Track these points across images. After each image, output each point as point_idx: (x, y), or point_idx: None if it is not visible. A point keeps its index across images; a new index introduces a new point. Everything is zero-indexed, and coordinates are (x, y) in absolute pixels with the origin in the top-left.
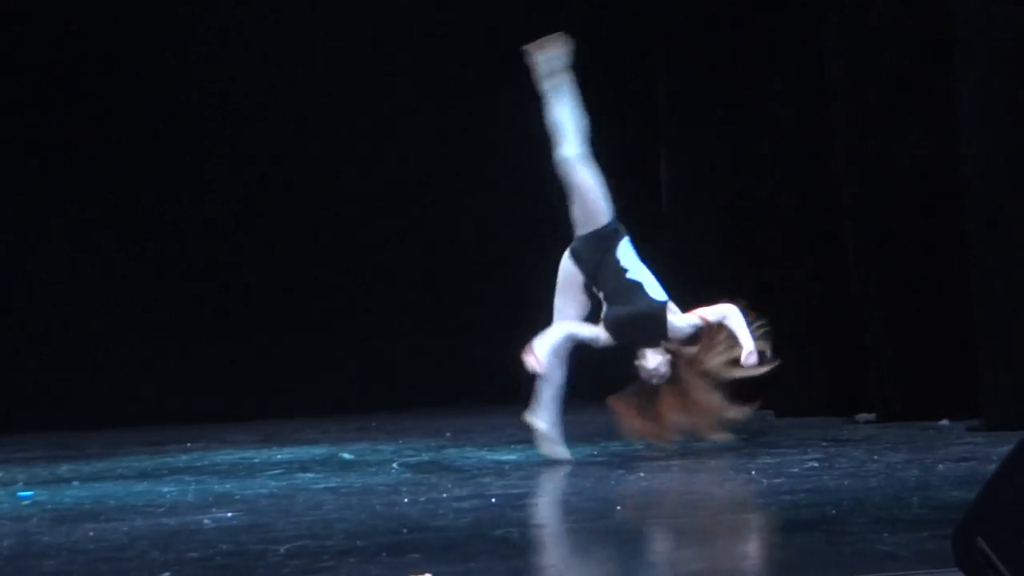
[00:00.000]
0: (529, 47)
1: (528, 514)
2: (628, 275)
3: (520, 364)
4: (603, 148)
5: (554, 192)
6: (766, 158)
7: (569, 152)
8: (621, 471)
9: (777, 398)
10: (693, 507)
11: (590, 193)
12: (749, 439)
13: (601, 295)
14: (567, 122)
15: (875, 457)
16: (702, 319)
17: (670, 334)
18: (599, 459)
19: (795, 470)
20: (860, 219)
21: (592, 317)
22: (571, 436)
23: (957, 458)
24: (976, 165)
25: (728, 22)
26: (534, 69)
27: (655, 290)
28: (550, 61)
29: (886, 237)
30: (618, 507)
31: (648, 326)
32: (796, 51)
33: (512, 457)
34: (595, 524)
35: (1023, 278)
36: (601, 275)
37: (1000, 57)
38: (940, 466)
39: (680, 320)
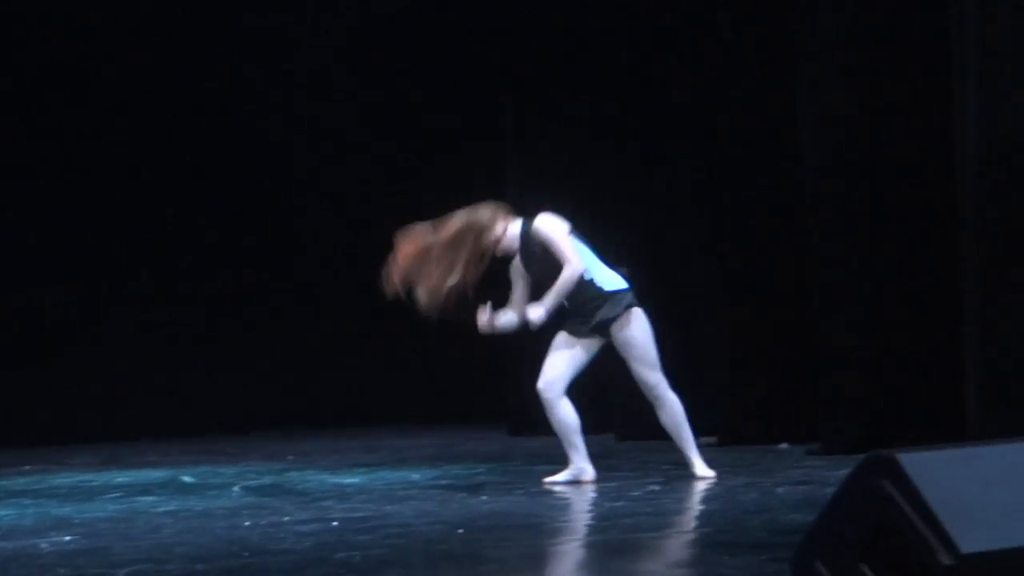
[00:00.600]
0: None
1: (370, 538)
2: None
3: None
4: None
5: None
6: None
7: None
8: (464, 494)
9: (619, 422)
10: (534, 531)
11: None
12: (591, 462)
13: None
14: None
15: (715, 480)
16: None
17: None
18: (442, 482)
19: (636, 493)
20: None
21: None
22: (413, 459)
23: (796, 481)
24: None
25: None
26: None
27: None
28: None
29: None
30: (460, 531)
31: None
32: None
33: (354, 480)
34: (437, 548)
35: (869, 302)
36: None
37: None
38: (779, 489)
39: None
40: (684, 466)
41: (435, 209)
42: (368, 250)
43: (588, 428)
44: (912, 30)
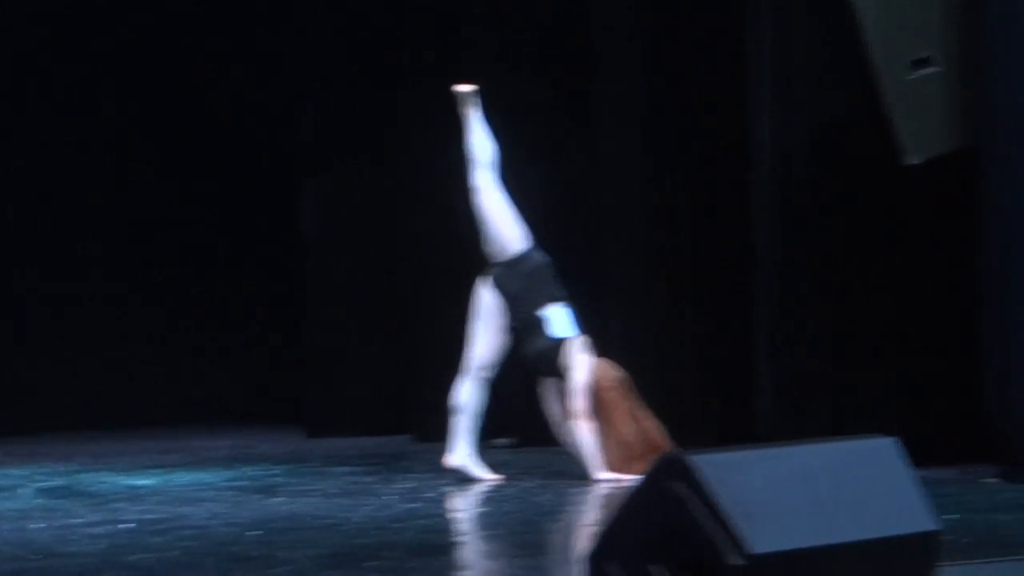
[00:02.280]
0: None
1: (164, 540)
2: (538, 311)
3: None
4: None
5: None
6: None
7: (477, 180)
8: (259, 496)
9: (416, 422)
10: (329, 533)
11: (498, 220)
12: (387, 464)
13: (515, 326)
14: (476, 150)
15: (511, 482)
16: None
17: (562, 370)
18: (237, 483)
19: (431, 494)
20: None
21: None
22: (208, 461)
23: (590, 483)
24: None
25: None
26: (456, 100)
27: (561, 325)
28: (466, 95)
29: None
30: (254, 532)
31: (545, 363)
32: None
33: (148, 482)
34: (231, 550)
35: (666, 303)
36: (516, 307)
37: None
38: (573, 490)
39: (575, 361)
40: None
41: None
42: (163, 251)
43: (387, 429)
44: (708, 29)
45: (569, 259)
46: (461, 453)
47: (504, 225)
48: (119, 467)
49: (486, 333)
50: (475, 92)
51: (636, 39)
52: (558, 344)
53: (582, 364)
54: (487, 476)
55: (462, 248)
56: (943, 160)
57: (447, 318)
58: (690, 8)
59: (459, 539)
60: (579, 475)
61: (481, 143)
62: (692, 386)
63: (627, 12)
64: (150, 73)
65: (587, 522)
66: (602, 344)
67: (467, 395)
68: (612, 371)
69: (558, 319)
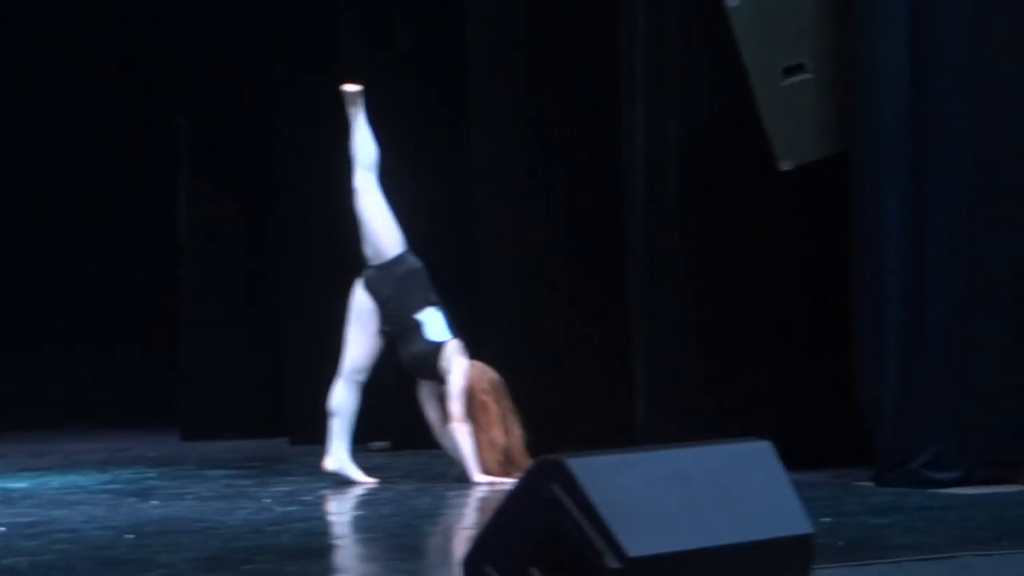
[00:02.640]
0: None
1: (37, 543)
2: (414, 314)
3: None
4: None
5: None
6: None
7: (357, 181)
8: (134, 499)
9: (292, 425)
10: (205, 536)
11: (376, 222)
12: (263, 467)
13: (388, 330)
14: (359, 151)
15: (388, 485)
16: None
17: (441, 374)
18: (112, 487)
19: (308, 498)
20: None
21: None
22: (82, 464)
23: (469, 486)
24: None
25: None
26: (343, 99)
27: (437, 329)
28: (352, 94)
29: None
30: (129, 536)
31: (424, 367)
32: None
33: (21, 485)
34: (105, 553)
35: (541, 308)
36: (390, 311)
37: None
38: (451, 493)
39: (452, 364)
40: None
41: None
42: (35, 251)
43: (263, 432)
44: (584, 32)
45: (445, 261)
46: (338, 456)
47: (381, 228)
48: None
49: (360, 336)
50: (360, 92)
51: (513, 42)
52: (435, 348)
53: (459, 368)
54: (364, 479)
55: (340, 249)
56: (817, 164)
57: (323, 320)
58: (566, 12)
59: (336, 542)
60: (457, 478)
61: (364, 144)
62: (569, 388)
63: (503, 15)
64: (22, 76)
65: (464, 525)
66: (478, 347)
67: (342, 398)
68: (487, 374)
69: (433, 323)
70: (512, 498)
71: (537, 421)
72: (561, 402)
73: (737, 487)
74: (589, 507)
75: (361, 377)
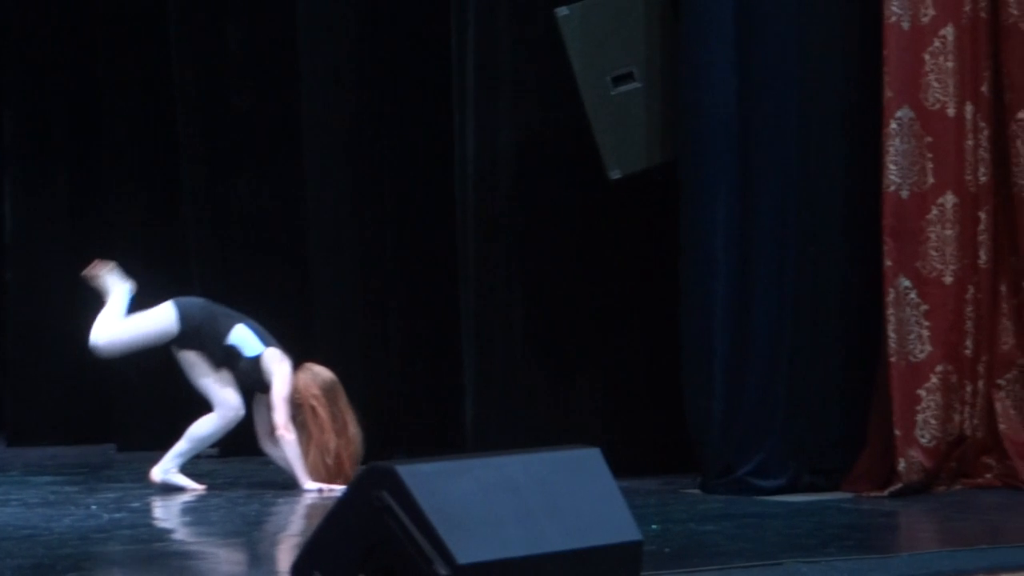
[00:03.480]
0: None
1: None
2: (225, 341)
3: None
4: None
5: None
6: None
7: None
8: None
9: (118, 431)
10: (31, 544)
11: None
12: (90, 473)
13: (218, 365)
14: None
15: (216, 491)
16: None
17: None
18: None
19: (136, 504)
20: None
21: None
22: None
23: (299, 494)
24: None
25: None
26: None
27: (250, 344)
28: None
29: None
30: None
31: (254, 383)
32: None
33: None
34: None
35: (376, 308)
36: (207, 349)
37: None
38: (279, 500)
39: (273, 373)
40: (191, 477)
41: None
42: None
43: (89, 438)
44: (416, 40)
45: (279, 265)
46: (165, 464)
47: (151, 333)
48: None
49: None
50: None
51: (344, 49)
52: (254, 362)
53: (281, 375)
54: (192, 486)
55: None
56: (646, 173)
57: None
58: (398, 18)
59: (165, 549)
60: (286, 485)
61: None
62: (402, 395)
63: (335, 22)
64: None
65: (293, 532)
66: (311, 352)
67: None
68: (318, 377)
69: (245, 339)
70: (342, 505)
71: (368, 426)
72: (395, 410)
73: (566, 494)
74: (418, 514)
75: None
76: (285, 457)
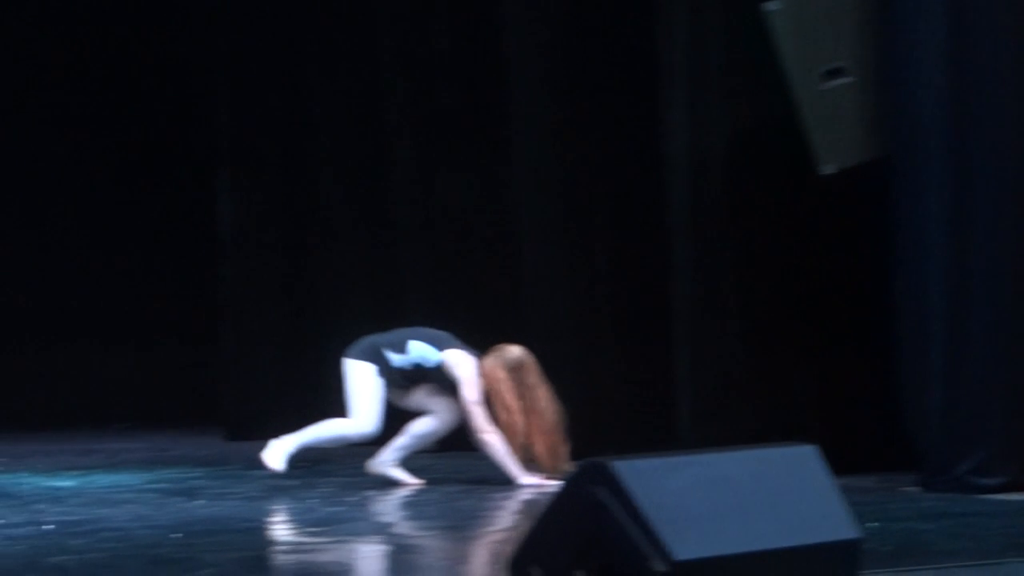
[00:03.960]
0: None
1: (85, 542)
2: (408, 358)
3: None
4: None
5: None
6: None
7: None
8: (180, 498)
9: None
10: (251, 536)
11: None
12: (309, 467)
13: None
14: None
15: (433, 487)
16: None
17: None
18: (158, 486)
19: (353, 498)
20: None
21: None
22: (128, 463)
23: (514, 488)
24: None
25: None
26: None
27: (427, 351)
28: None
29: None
30: (176, 535)
31: (450, 386)
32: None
33: (68, 483)
34: (152, 552)
35: (585, 311)
36: (391, 376)
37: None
38: (496, 496)
39: (459, 377)
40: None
41: None
42: (82, 250)
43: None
44: (622, 37)
45: (487, 265)
46: (385, 458)
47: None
48: (39, 468)
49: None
50: None
51: (550, 48)
52: (440, 368)
53: (465, 380)
54: (409, 480)
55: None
56: (858, 169)
57: (370, 320)
58: (604, 16)
59: (383, 543)
60: (500, 481)
61: None
62: (614, 394)
63: (540, 22)
64: (71, 67)
65: (508, 527)
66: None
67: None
68: (503, 356)
69: (423, 352)
70: (558, 500)
71: (580, 422)
72: (607, 407)
73: (783, 491)
74: (635, 510)
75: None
76: (492, 456)
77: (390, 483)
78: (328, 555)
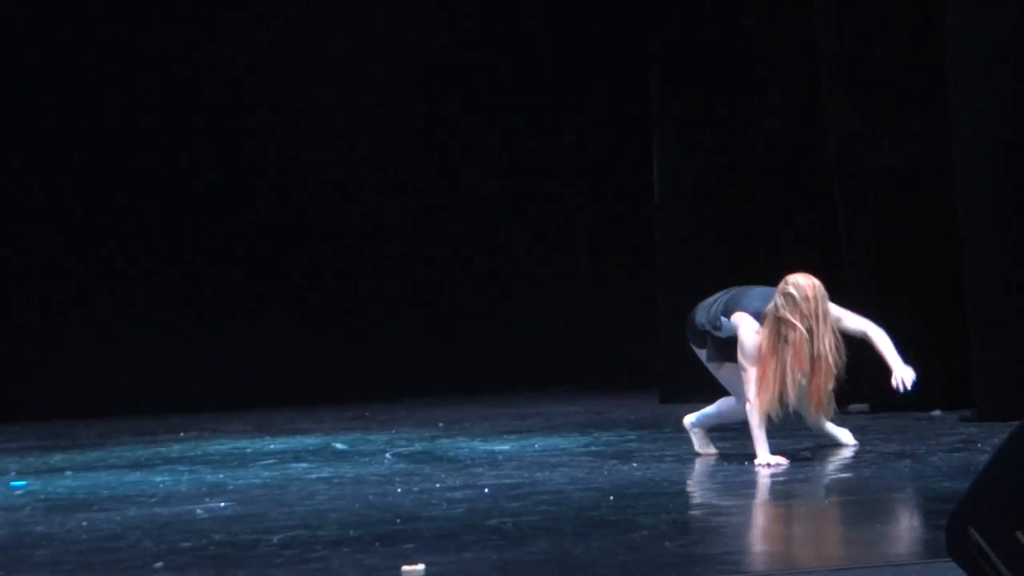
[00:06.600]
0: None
1: (522, 504)
2: (723, 323)
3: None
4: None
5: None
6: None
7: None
8: (614, 461)
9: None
10: (686, 499)
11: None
12: (740, 429)
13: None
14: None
15: (868, 447)
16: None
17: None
18: (593, 449)
19: (793, 462)
20: (853, 214)
21: None
22: (563, 426)
23: (949, 448)
24: (967, 160)
25: (719, 14)
26: None
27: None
28: None
29: (879, 230)
30: (611, 498)
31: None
32: (786, 44)
33: (505, 447)
34: (588, 514)
35: (1011, 272)
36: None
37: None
38: (933, 457)
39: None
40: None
41: None
42: (496, 222)
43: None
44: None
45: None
46: (694, 418)
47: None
48: (477, 432)
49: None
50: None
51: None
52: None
53: (741, 344)
54: (703, 449)
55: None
56: None
57: None
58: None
59: (818, 506)
60: (938, 440)
61: None
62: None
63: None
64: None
65: (947, 488)
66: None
67: None
68: (792, 295)
69: (728, 325)
70: (997, 460)
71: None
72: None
73: None
74: None
75: None
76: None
77: (830, 444)
78: (764, 517)
